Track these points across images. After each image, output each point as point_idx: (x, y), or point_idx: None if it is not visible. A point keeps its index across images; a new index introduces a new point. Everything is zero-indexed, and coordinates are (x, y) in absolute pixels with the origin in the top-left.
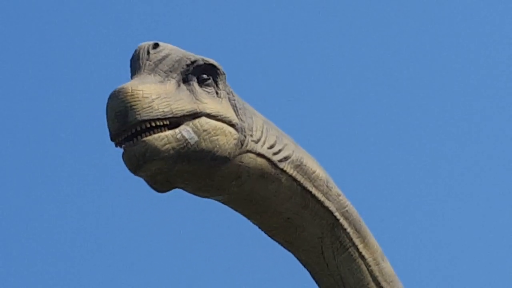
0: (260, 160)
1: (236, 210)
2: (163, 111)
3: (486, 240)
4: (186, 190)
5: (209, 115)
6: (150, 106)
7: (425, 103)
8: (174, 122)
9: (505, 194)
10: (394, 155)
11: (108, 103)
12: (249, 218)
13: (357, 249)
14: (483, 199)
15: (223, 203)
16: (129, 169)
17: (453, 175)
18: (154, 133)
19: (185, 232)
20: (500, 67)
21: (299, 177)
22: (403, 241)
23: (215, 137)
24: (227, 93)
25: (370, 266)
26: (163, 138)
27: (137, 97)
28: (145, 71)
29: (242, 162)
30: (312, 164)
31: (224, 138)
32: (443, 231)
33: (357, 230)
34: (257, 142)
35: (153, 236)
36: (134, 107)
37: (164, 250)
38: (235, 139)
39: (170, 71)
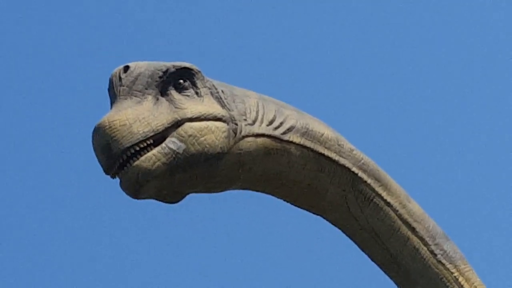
0: (260, 140)
1: (257, 191)
2: (143, 132)
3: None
4: (198, 193)
5: (191, 119)
6: (129, 132)
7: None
8: (159, 138)
9: None
10: (402, 100)
11: (92, 141)
12: (271, 194)
13: (382, 197)
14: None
15: (241, 189)
16: (129, 196)
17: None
18: (142, 155)
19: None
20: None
21: (308, 143)
22: (426, 179)
23: (202, 138)
24: (209, 88)
25: (397, 210)
26: (151, 158)
27: (115, 128)
28: (121, 97)
29: (241, 149)
30: (319, 127)
31: (212, 136)
32: (462, 160)
33: (377, 179)
34: (253, 124)
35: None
36: (114, 138)
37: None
38: (224, 131)
39: (146, 89)
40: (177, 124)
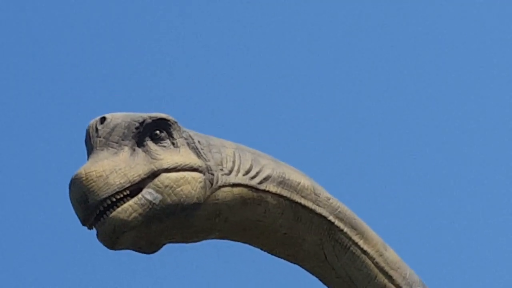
0: (237, 189)
1: (234, 240)
2: (119, 183)
3: (482, 209)
4: (175, 243)
5: (167, 170)
6: (106, 183)
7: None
8: (136, 189)
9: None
10: (376, 146)
11: (69, 192)
12: (248, 243)
13: (358, 246)
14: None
15: (218, 239)
16: (106, 247)
17: (436, 145)
18: (118, 206)
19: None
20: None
21: (284, 192)
22: (403, 226)
23: (179, 189)
24: (185, 139)
25: (374, 258)
26: (127, 209)
27: (92, 179)
28: (98, 148)
29: (218, 199)
30: (295, 176)
31: (189, 186)
32: (438, 207)
33: (354, 228)
34: (229, 173)
35: None
36: (91, 189)
37: None
38: (200, 182)
39: (122, 140)
40: (154, 174)
